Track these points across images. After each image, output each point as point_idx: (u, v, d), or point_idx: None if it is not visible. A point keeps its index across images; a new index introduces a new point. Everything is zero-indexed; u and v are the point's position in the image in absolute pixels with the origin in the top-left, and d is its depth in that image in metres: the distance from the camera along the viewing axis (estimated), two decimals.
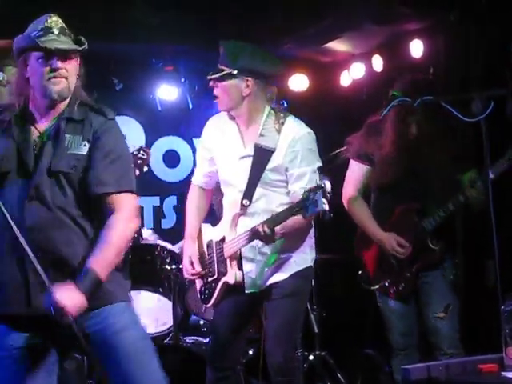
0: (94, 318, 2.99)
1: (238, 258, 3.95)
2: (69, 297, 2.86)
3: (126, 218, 3.04)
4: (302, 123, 4.00)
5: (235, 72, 3.90)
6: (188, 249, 4.13)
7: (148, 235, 5.81)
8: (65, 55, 3.01)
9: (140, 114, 7.08)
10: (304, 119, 4.05)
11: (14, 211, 2.91)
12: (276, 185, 3.92)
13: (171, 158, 7.40)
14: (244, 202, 3.91)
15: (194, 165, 7.20)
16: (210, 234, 4.12)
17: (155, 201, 7.17)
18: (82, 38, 3.07)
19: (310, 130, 3.97)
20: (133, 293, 5.18)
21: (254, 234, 3.79)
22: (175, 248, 5.57)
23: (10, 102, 3.13)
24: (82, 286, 2.90)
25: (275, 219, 3.73)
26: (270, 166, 3.90)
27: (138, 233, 5.70)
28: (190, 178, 7.28)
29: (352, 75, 6.49)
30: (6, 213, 2.85)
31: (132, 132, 6.78)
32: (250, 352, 5.27)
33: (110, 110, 3.13)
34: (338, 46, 6.34)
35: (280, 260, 3.94)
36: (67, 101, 3.09)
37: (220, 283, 3.99)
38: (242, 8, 5.38)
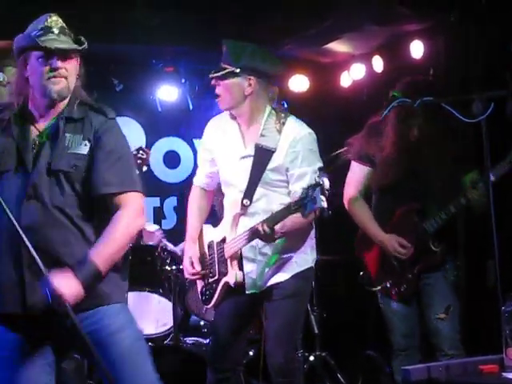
0: (88, 319, 2.97)
1: (239, 259, 3.95)
2: (66, 284, 2.85)
3: (131, 215, 3.03)
4: (303, 123, 4.00)
5: (238, 70, 3.89)
6: (189, 249, 4.13)
7: (154, 229, 5.81)
8: (65, 55, 3.01)
9: (140, 114, 7.09)
10: (304, 120, 4.05)
11: (12, 210, 2.89)
12: (277, 185, 3.91)
13: (171, 159, 7.40)
14: (244, 201, 3.91)
15: (195, 166, 7.25)
16: (211, 234, 4.12)
17: (155, 202, 7.17)
18: (82, 38, 3.07)
19: (310, 130, 3.97)
20: (133, 294, 5.20)
21: (253, 233, 3.79)
22: (177, 249, 5.57)
23: (10, 101, 3.13)
24: (81, 275, 2.89)
25: (274, 217, 3.72)
26: (270, 166, 3.89)
27: (139, 234, 5.70)
28: (190, 178, 7.29)
29: (352, 76, 6.49)
30: (8, 210, 2.84)
31: (132, 133, 6.78)
32: (251, 353, 5.27)
33: (110, 110, 3.13)
34: (339, 46, 6.34)
35: (281, 260, 3.94)
36: (67, 100, 3.08)
37: (221, 284, 3.99)
38: (242, 8, 5.39)
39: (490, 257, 3.47)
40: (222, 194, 4.15)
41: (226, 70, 3.91)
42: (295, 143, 3.88)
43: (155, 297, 5.52)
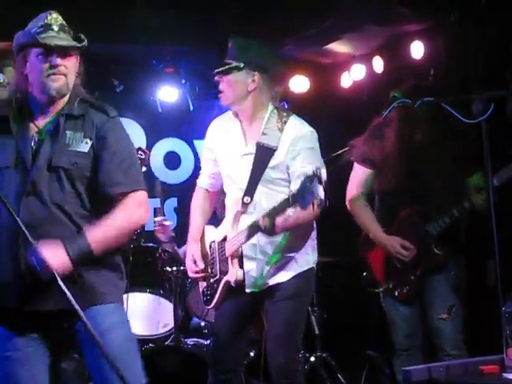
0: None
1: (239, 257, 3.95)
2: (54, 254, 2.85)
3: (135, 207, 3.06)
4: (304, 122, 4.00)
5: (242, 65, 3.90)
6: (191, 249, 4.13)
7: (169, 224, 5.82)
8: (64, 52, 3.01)
9: (140, 115, 7.09)
10: (305, 120, 4.05)
11: (11, 206, 2.89)
12: (277, 183, 3.91)
13: (172, 160, 7.41)
14: (245, 199, 3.91)
15: (195, 166, 7.30)
16: (213, 235, 4.12)
17: (156, 202, 7.16)
18: (82, 36, 3.07)
19: (312, 129, 3.97)
20: (134, 295, 5.21)
21: (254, 229, 3.77)
22: (180, 251, 5.58)
23: (9, 98, 3.13)
24: (70, 248, 2.89)
25: (274, 210, 3.70)
26: (271, 163, 3.89)
27: (139, 235, 5.71)
28: (190, 179, 7.33)
29: (352, 76, 6.49)
30: (9, 206, 2.84)
31: (133, 134, 6.66)
32: (252, 353, 5.27)
33: (111, 108, 3.14)
34: (339, 47, 6.35)
35: (282, 260, 3.93)
36: (66, 98, 3.09)
37: (222, 283, 3.98)
38: (242, 8, 5.39)
39: (490, 257, 3.47)
40: (223, 194, 4.15)
41: (230, 65, 3.91)
42: (297, 141, 3.88)
43: (156, 298, 5.53)
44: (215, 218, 4.42)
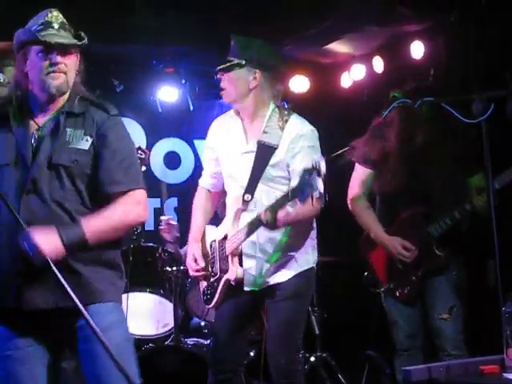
0: (79, 315, 2.95)
1: (239, 255, 3.95)
2: (46, 239, 2.85)
3: (133, 204, 3.06)
4: (305, 121, 4.01)
5: (243, 62, 3.91)
6: (191, 248, 4.13)
7: (175, 223, 5.82)
8: (64, 50, 3.02)
9: (141, 115, 7.09)
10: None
11: (11, 204, 2.89)
12: (278, 181, 3.91)
13: (172, 160, 7.40)
14: (246, 196, 3.91)
15: (195, 166, 7.30)
16: (214, 234, 4.12)
17: (156, 202, 7.17)
18: (82, 34, 3.08)
19: (313, 127, 3.98)
20: (134, 294, 5.20)
21: (254, 224, 3.77)
22: (181, 251, 5.58)
23: (9, 95, 3.13)
24: (64, 234, 2.89)
25: (277, 202, 3.68)
26: (271, 161, 3.89)
27: (139, 234, 5.71)
28: (190, 179, 7.33)
29: (352, 76, 6.50)
30: (9, 204, 2.84)
31: (133, 134, 6.64)
32: (252, 353, 5.27)
33: (112, 106, 3.14)
34: (339, 47, 6.35)
35: (282, 259, 3.93)
36: (67, 95, 3.09)
37: (222, 281, 3.98)
38: (242, 8, 5.38)
39: (490, 257, 3.47)
40: (224, 194, 4.15)
41: (232, 62, 3.92)
42: (297, 139, 3.88)
43: (156, 297, 5.52)
44: (216, 218, 4.42)
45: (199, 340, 5.41)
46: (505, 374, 3.11)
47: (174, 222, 5.84)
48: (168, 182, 7.32)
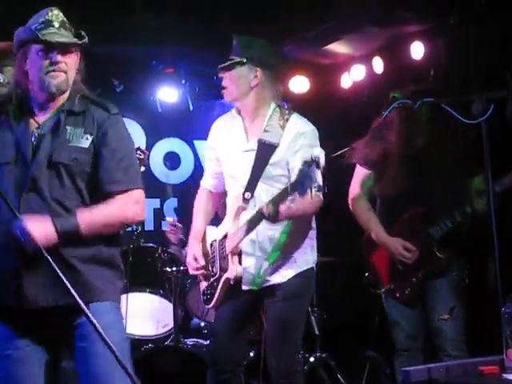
0: (77, 313, 2.94)
1: (239, 253, 3.95)
2: (40, 226, 2.86)
3: (131, 202, 3.06)
4: (306, 120, 4.01)
5: (245, 60, 3.92)
6: (192, 247, 4.13)
7: (180, 225, 5.83)
8: (65, 49, 3.02)
9: (140, 115, 7.09)
10: None
11: (11, 202, 2.89)
12: (277, 179, 3.91)
13: (172, 160, 7.41)
14: (246, 195, 3.91)
15: (195, 167, 7.30)
16: (214, 234, 4.12)
17: (156, 203, 7.17)
18: (83, 32, 3.08)
19: (314, 127, 3.99)
20: (134, 294, 5.21)
21: (255, 219, 3.77)
22: (184, 252, 5.57)
23: (9, 94, 3.13)
24: (58, 222, 2.90)
25: (278, 196, 3.69)
26: (272, 160, 3.90)
27: (139, 234, 5.71)
28: (190, 179, 7.33)
29: (352, 77, 6.49)
30: (9, 202, 2.84)
31: (133, 134, 6.69)
32: (251, 354, 5.27)
33: (112, 105, 3.14)
34: (339, 48, 6.35)
35: (281, 259, 3.93)
36: (67, 94, 3.09)
37: (221, 281, 3.97)
38: (242, 9, 5.38)
39: (490, 259, 3.47)
40: (225, 194, 4.16)
41: (233, 61, 3.93)
42: (297, 138, 3.89)
43: (156, 298, 5.52)
44: (217, 219, 4.43)
45: (199, 340, 5.41)
46: (504, 375, 3.11)
47: (179, 224, 5.84)
48: (168, 182, 7.33)
